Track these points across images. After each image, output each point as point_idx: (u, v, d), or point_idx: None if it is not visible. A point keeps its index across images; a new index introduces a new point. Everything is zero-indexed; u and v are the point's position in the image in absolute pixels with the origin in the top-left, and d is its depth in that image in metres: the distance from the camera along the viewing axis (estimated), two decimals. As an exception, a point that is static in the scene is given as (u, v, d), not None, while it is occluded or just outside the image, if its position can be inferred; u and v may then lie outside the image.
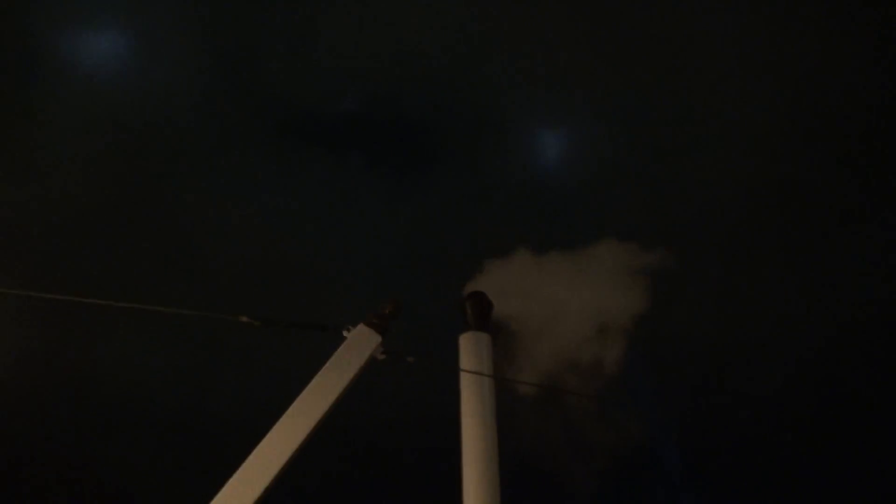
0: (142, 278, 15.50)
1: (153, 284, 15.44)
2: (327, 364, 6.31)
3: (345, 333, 6.54)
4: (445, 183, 18.45)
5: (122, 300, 6.49)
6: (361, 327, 6.52)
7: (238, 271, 17.14)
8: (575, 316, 9.10)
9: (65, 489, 14.14)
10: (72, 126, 16.25)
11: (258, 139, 18.96)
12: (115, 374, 14.78)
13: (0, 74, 15.60)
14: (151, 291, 14.99)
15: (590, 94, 17.45)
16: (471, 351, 7.55)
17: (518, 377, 8.76)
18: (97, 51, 17.15)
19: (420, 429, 14.14)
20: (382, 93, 19.23)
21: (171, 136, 17.72)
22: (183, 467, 14.44)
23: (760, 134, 15.96)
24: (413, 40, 18.36)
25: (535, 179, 17.54)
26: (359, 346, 6.42)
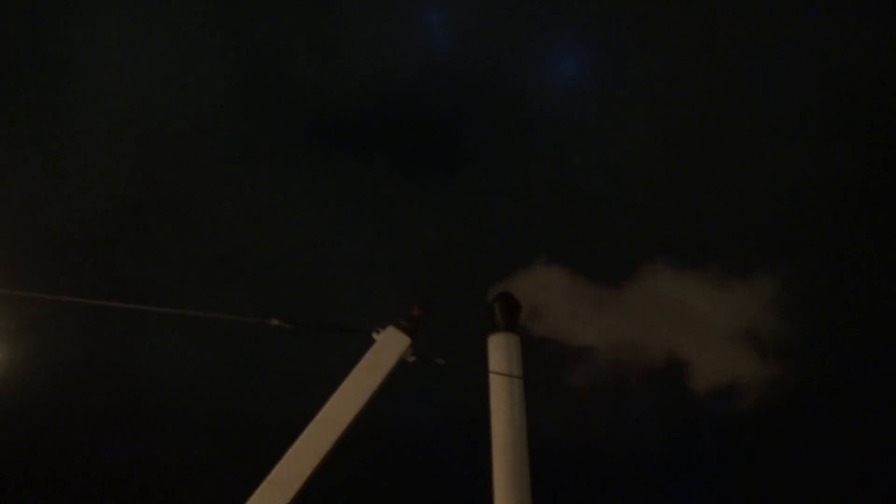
0: (176, 281, 15.78)
1: (187, 287, 15.70)
2: (357, 366, 6.36)
3: (374, 336, 6.58)
4: (472, 184, 18.45)
5: (157, 304, 6.63)
6: (391, 330, 6.55)
7: (268, 274, 17.34)
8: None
9: (103, 485, 14.47)
10: (104, 132, 16.59)
11: (285, 142, 19.16)
12: (152, 376, 15.08)
13: (32, 82, 15.99)
14: (186, 294, 15.26)
15: (617, 95, 17.33)
16: (499, 352, 7.55)
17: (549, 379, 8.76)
18: (127, 57, 17.50)
19: (451, 429, 14.18)
20: (407, 95, 19.31)
21: (201, 141, 18.00)
22: (217, 467, 14.66)
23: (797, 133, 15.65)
24: (438, 43, 18.40)
25: (562, 181, 17.44)
26: (388, 348, 6.45)
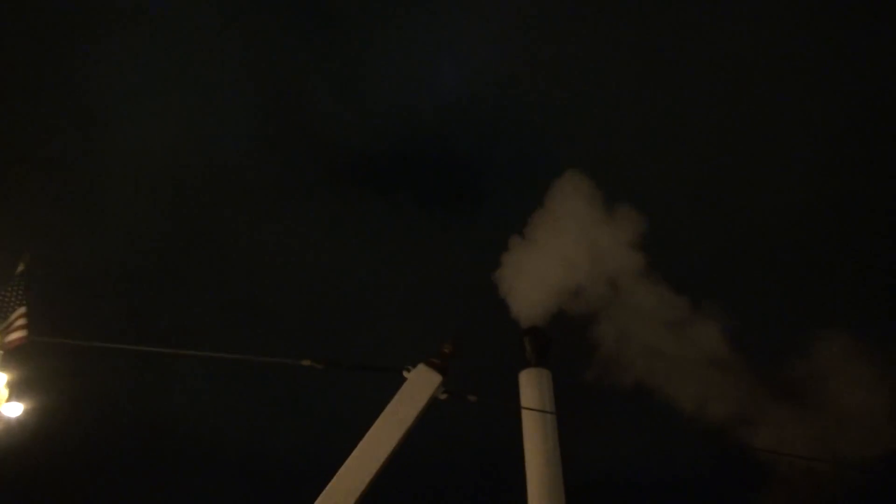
0: (208, 325, 15.97)
1: (219, 331, 15.88)
2: (390, 405, 6.34)
3: (405, 374, 6.56)
4: (496, 220, 18.51)
5: (192, 349, 6.75)
6: (422, 367, 6.53)
7: (298, 315, 17.49)
8: None
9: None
10: (133, 181, 17.02)
11: (310, 185, 19.50)
12: (187, 419, 15.18)
13: (63, 134, 16.51)
14: (218, 338, 15.43)
15: (636, 129, 17.37)
16: (531, 388, 7.53)
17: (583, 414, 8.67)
18: (154, 107, 18.03)
19: (486, 465, 14.02)
20: (428, 134, 19.59)
21: (228, 187, 18.37)
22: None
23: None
24: (457, 82, 18.69)
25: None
26: (420, 386, 6.43)
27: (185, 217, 17.76)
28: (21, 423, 5.19)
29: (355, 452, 6.00)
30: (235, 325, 16.24)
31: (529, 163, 18.57)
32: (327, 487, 5.83)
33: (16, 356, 5.29)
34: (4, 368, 4.97)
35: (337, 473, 5.91)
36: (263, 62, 19.38)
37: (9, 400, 5.10)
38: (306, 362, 6.46)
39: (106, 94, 17.39)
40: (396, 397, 6.39)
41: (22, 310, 5.39)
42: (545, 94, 18.18)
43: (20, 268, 5.60)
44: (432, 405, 6.49)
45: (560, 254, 9.04)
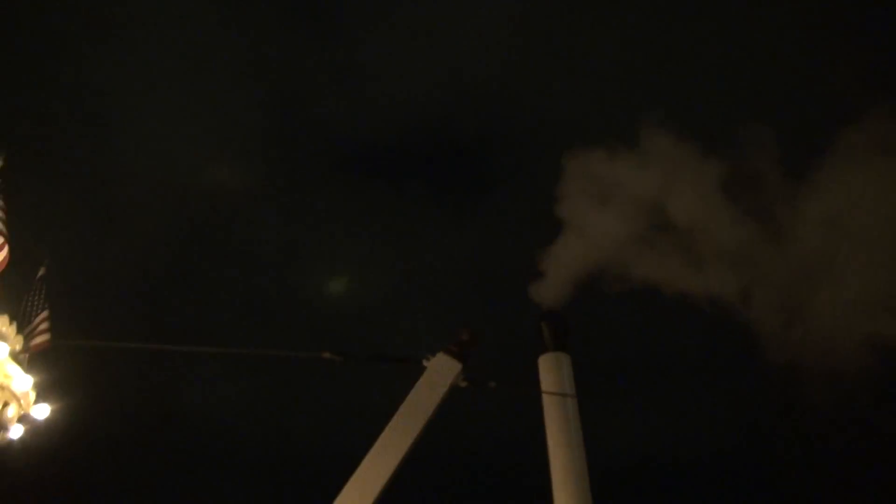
0: (225, 323, 16.07)
1: (235, 327, 15.97)
2: (410, 395, 6.38)
3: (425, 363, 6.60)
4: (504, 205, 18.47)
5: (208, 346, 6.80)
6: (441, 356, 6.58)
7: (314, 307, 17.56)
8: None
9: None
10: (146, 186, 17.08)
11: (319, 179, 19.53)
12: (208, 416, 15.33)
13: (78, 141, 16.59)
14: (234, 335, 15.52)
15: (644, 109, 17.19)
16: (551, 372, 7.54)
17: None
18: (164, 111, 18.09)
19: (509, 450, 14.05)
20: (433, 122, 19.53)
21: (238, 187, 18.40)
22: (273, 502, 14.78)
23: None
24: (461, 67, 18.59)
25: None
26: (440, 375, 6.47)
27: (197, 216, 17.88)
28: (49, 424, 5.27)
29: (378, 442, 6.06)
30: (250, 322, 16.35)
31: (536, 145, 18.50)
32: (352, 477, 5.89)
33: (40, 359, 5.36)
34: (30, 371, 5.03)
35: (361, 464, 5.96)
36: (266, 59, 19.40)
37: (36, 402, 5.18)
38: (326, 355, 6.51)
39: (114, 96, 17.53)
40: (417, 386, 6.43)
41: (44, 314, 5.46)
42: (550, 76, 18.10)
43: (40, 272, 5.67)
44: (453, 393, 6.53)
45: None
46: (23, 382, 4.98)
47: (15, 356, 4.92)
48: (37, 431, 5.21)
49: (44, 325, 5.41)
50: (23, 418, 5.11)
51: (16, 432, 5.08)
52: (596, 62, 17.77)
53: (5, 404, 4.95)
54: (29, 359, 5.16)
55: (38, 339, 5.34)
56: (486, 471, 15.24)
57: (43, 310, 5.50)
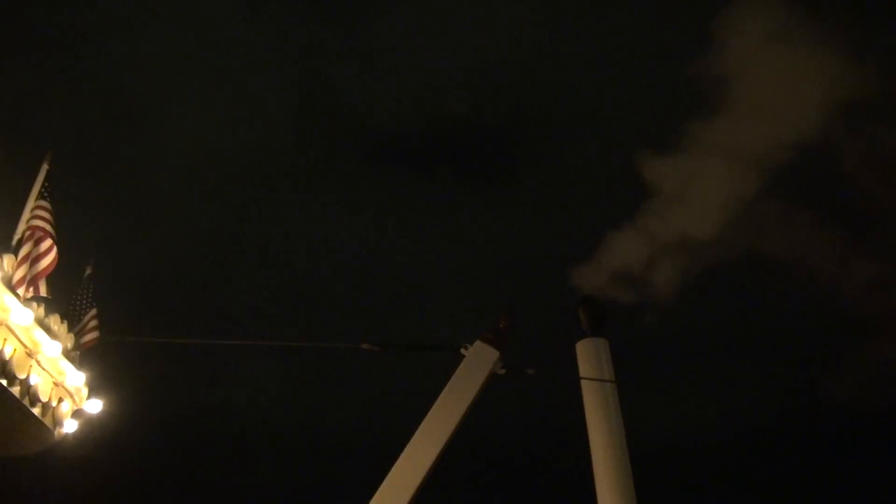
0: (262, 314, 16.31)
1: (272, 318, 16.19)
2: (449, 384, 6.42)
3: (462, 352, 6.62)
4: (536, 190, 18.32)
5: (253, 339, 6.95)
6: (478, 344, 6.59)
7: (349, 298, 17.71)
8: None
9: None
10: (180, 178, 17.37)
11: (350, 168, 19.59)
12: (243, 408, 15.58)
13: (112, 136, 16.89)
14: (272, 326, 15.74)
15: (673, 94, 16.81)
16: (589, 358, 7.51)
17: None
18: (194, 104, 18.33)
19: (549, 437, 14.04)
20: (462, 108, 19.43)
21: (270, 178, 18.61)
22: (317, 492, 15.02)
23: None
24: (490, 52, 18.45)
25: (619, 176, 17.04)
26: (478, 363, 6.49)
27: (230, 211, 18.14)
28: (101, 419, 5.46)
29: (419, 431, 6.11)
30: (285, 312, 16.52)
31: (566, 130, 18.28)
32: (395, 466, 5.95)
33: (91, 356, 5.55)
34: (82, 368, 5.22)
35: (403, 453, 6.03)
36: (295, 49, 19.50)
37: (89, 398, 5.37)
38: (365, 346, 6.59)
39: (146, 93, 17.78)
40: (456, 375, 6.46)
41: (93, 311, 5.65)
42: (580, 61, 17.82)
43: (87, 271, 5.86)
44: (492, 380, 6.54)
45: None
46: (76, 379, 5.15)
47: (67, 353, 5.08)
48: (90, 425, 5.41)
49: (93, 323, 5.59)
50: (77, 413, 5.31)
51: (70, 427, 5.28)
52: (627, 44, 17.43)
53: (60, 400, 5.13)
54: (80, 356, 5.34)
55: (88, 337, 5.52)
56: (530, 455, 15.24)
57: (91, 307, 5.70)
